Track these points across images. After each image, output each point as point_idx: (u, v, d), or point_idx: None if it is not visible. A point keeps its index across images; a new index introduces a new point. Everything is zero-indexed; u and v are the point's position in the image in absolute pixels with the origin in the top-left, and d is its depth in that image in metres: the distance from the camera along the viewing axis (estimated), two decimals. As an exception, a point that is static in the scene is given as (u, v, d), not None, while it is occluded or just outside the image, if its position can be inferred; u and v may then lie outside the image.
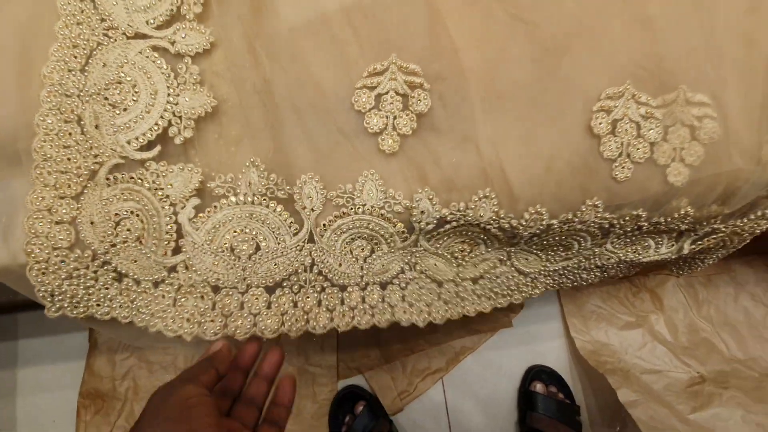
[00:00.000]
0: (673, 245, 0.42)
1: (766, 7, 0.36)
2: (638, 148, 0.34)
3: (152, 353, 0.63)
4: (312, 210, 0.33)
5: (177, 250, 0.33)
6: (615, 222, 0.36)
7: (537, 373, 0.72)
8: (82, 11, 0.33)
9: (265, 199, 0.32)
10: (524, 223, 0.34)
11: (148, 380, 0.62)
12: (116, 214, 0.32)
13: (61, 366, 0.64)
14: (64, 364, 0.64)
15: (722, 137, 0.35)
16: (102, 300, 0.33)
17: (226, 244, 0.33)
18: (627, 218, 0.36)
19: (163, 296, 0.34)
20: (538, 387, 0.70)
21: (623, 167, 0.34)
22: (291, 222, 0.33)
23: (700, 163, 0.35)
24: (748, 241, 0.45)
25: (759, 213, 0.40)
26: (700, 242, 0.42)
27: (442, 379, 0.71)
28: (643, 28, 0.34)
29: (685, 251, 0.42)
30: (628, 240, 0.40)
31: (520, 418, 0.71)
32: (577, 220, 0.35)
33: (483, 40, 0.34)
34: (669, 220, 0.37)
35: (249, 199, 0.32)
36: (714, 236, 0.41)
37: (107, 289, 0.33)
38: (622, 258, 0.41)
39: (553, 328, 0.76)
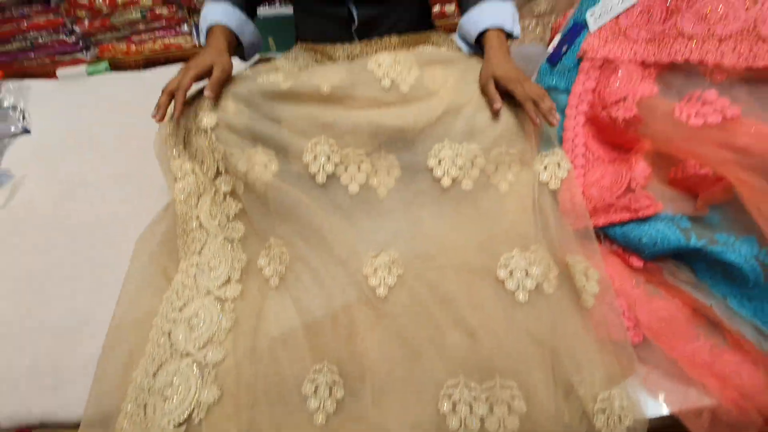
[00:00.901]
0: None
1: (554, 318, 0.60)
2: (473, 421, 0.54)
3: None
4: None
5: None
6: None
7: None
8: (162, 342, 0.61)
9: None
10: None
11: None
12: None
13: None
14: None
15: (528, 407, 0.54)
16: None
17: None
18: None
19: None
20: None
21: (464, 435, 0.53)
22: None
23: (519, 423, 0.53)
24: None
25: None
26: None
27: None
28: (469, 337, 0.58)
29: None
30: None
31: None
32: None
33: (378, 352, 0.58)
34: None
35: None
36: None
37: None
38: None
39: None
